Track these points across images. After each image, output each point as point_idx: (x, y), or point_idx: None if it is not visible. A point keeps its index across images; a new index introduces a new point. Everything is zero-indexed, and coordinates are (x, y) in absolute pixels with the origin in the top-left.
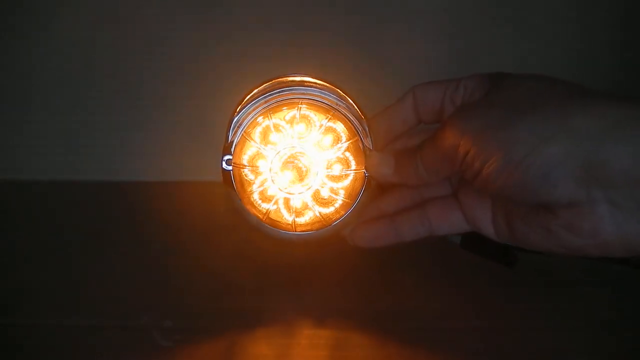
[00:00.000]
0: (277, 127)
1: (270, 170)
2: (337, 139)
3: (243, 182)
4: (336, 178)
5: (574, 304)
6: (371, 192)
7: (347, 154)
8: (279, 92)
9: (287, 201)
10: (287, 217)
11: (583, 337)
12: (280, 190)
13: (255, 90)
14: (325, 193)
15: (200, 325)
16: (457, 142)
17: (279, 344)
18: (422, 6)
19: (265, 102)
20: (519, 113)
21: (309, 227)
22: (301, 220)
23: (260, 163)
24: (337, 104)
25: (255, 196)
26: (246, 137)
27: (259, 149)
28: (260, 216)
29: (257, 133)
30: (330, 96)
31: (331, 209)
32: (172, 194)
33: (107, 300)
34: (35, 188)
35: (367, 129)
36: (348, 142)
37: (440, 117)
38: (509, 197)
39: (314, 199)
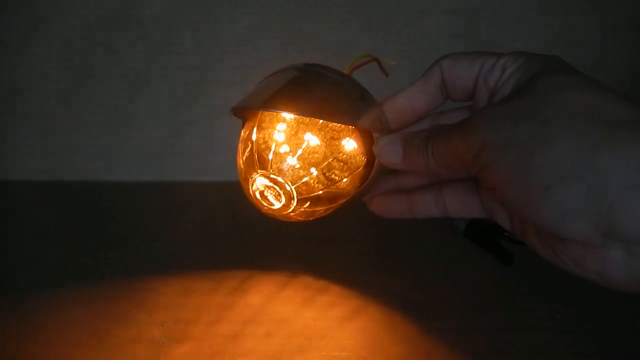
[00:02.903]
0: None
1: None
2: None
3: (254, 163)
4: (343, 163)
5: (574, 304)
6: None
7: (352, 142)
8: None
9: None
10: (290, 203)
11: (584, 337)
12: (286, 172)
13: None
14: (333, 174)
15: (201, 326)
16: (475, 152)
17: (279, 344)
18: (424, 5)
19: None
20: (550, 136)
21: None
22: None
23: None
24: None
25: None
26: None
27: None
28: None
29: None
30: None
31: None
32: (172, 194)
33: (107, 300)
34: (35, 188)
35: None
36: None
37: (471, 96)
38: (522, 218)
39: (318, 181)
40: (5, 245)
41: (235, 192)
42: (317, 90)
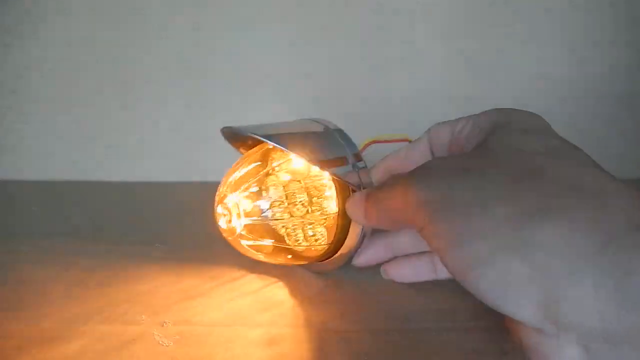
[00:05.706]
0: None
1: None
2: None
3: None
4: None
5: None
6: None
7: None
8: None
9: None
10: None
11: None
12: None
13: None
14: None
15: (200, 327)
16: (413, 210)
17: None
18: (425, 6)
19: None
20: (487, 198)
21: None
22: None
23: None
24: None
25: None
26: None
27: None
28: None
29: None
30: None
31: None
32: (172, 194)
33: (107, 300)
34: (36, 188)
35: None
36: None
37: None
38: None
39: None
40: (6, 245)
41: None
42: (311, 136)
